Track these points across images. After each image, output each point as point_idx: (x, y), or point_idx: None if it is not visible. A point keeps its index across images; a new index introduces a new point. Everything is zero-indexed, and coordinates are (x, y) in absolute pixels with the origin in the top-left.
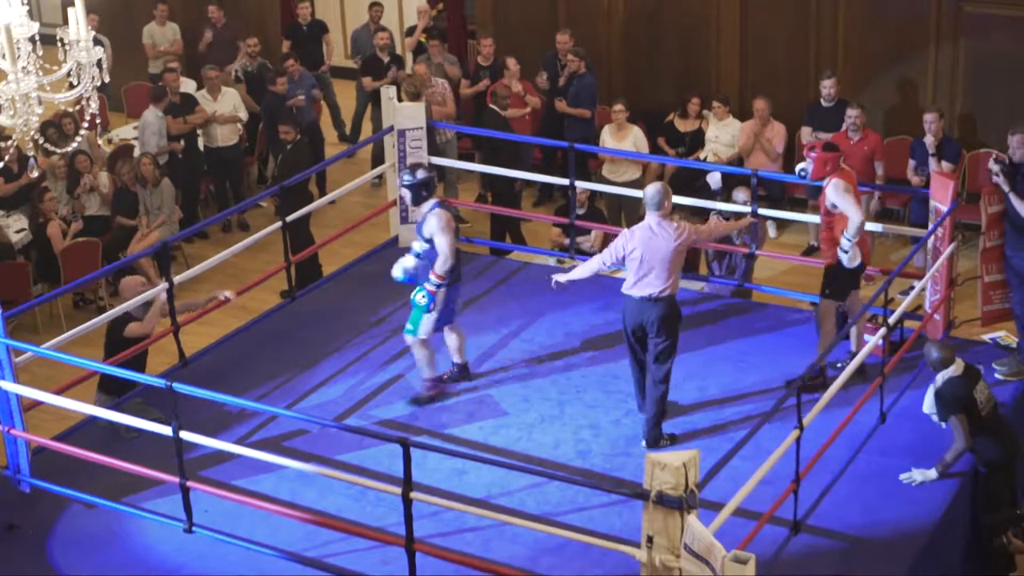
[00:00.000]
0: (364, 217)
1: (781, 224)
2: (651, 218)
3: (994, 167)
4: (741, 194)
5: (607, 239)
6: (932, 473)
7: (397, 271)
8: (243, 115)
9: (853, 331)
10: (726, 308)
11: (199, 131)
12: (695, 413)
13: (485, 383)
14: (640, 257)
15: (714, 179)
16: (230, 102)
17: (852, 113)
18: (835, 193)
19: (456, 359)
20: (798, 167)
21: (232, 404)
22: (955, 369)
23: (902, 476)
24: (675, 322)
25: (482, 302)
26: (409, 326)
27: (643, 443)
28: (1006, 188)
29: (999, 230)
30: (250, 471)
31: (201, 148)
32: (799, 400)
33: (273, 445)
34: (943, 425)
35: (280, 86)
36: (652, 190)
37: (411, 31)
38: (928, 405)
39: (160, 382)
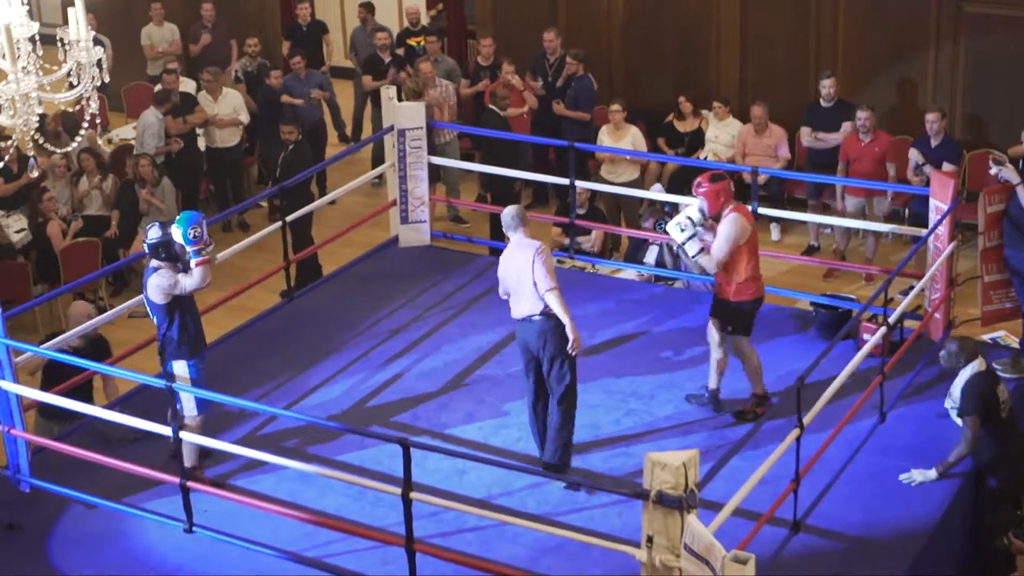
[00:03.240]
0: (364, 217)
1: (785, 227)
2: (513, 238)
3: (994, 168)
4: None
5: (607, 239)
6: (932, 473)
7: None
8: (243, 118)
9: (713, 370)
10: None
11: (198, 131)
12: (695, 413)
13: (485, 383)
14: (507, 280)
15: (656, 188)
16: (230, 104)
17: (862, 115)
18: (727, 227)
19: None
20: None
21: (232, 404)
22: (979, 364)
23: (901, 476)
24: (557, 337)
25: (482, 302)
26: (191, 407)
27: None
28: (1016, 180)
29: (998, 230)
30: (250, 471)
31: (202, 148)
32: (799, 399)
33: (273, 445)
34: (959, 422)
35: (275, 80)
36: (507, 213)
37: (405, 33)
38: (949, 400)
39: (160, 383)
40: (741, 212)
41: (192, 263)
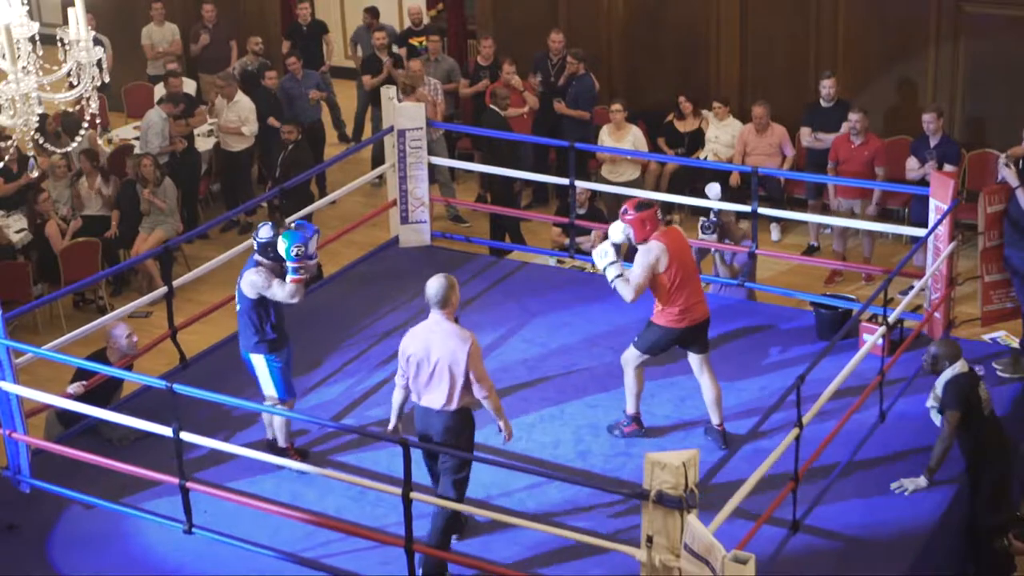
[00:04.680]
0: (364, 217)
1: (785, 227)
2: (434, 316)
3: (1004, 160)
4: (715, 188)
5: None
6: (922, 481)
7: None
8: (246, 131)
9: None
10: (726, 308)
11: (197, 132)
12: (695, 412)
13: None
14: (419, 363)
15: (713, 191)
16: (236, 112)
17: (854, 117)
18: (640, 255)
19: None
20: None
21: (232, 405)
22: (961, 366)
23: (892, 485)
24: (463, 435)
25: (482, 302)
26: (271, 392)
27: None
28: (1015, 183)
29: (998, 230)
30: (250, 472)
31: (201, 149)
32: (799, 399)
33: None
34: (937, 420)
35: (269, 80)
36: (435, 286)
37: (407, 32)
38: (932, 399)
39: (161, 383)
40: (664, 241)
41: (288, 278)
